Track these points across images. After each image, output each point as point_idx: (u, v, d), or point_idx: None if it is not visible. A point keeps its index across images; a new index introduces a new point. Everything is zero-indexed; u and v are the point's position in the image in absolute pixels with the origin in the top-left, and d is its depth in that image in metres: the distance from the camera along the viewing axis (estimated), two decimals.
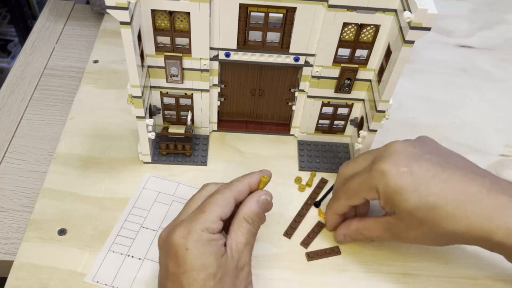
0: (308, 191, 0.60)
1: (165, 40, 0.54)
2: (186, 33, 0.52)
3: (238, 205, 0.46)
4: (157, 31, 0.52)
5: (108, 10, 0.44)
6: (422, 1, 0.44)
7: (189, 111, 0.61)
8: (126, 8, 0.44)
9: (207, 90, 0.59)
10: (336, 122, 0.63)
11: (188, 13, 0.50)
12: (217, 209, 0.43)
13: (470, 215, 0.43)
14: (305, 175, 0.61)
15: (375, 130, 0.57)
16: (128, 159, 0.61)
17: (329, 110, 0.61)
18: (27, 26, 1.31)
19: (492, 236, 0.43)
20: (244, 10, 0.51)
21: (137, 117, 0.55)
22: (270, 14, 0.51)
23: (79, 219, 0.55)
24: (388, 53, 0.51)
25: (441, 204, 0.44)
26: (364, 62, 0.55)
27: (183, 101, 0.61)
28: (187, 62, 0.55)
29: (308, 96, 0.59)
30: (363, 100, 0.59)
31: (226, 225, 0.48)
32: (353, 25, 0.51)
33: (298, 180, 0.60)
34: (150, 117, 0.59)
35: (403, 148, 0.47)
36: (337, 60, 0.55)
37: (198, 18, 0.50)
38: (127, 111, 0.59)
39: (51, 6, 0.86)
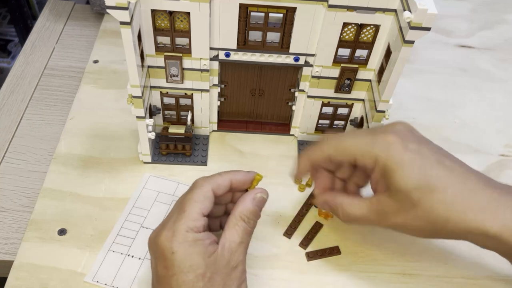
0: (308, 191, 0.60)
1: (165, 40, 0.54)
2: (186, 33, 0.52)
3: (232, 202, 0.46)
4: (157, 31, 0.52)
5: (108, 10, 0.44)
6: (422, 1, 0.44)
7: (189, 111, 0.61)
8: (126, 8, 0.44)
9: (207, 90, 0.59)
10: (336, 122, 0.63)
11: (188, 13, 0.50)
12: (196, 205, 0.42)
13: (467, 205, 0.42)
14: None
15: None
16: (128, 159, 0.61)
17: (329, 110, 0.61)
18: (27, 26, 1.31)
19: (487, 229, 0.42)
20: (244, 10, 0.51)
21: (137, 117, 0.55)
22: (270, 14, 0.51)
23: (79, 219, 0.55)
24: (388, 53, 0.51)
25: (441, 188, 0.42)
26: (364, 62, 0.55)
27: (183, 101, 0.61)
28: (187, 62, 0.55)
29: (308, 96, 0.59)
30: (363, 100, 0.59)
31: (221, 222, 0.49)
32: (353, 25, 0.51)
33: (298, 180, 0.60)
34: (150, 117, 0.59)
35: (410, 128, 0.46)
36: (337, 60, 0.55)
37: (198, 18, 0.50)
38: (127, 111, 0.59)
39: (51, 6, 0.86)
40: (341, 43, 0.53)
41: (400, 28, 0.48)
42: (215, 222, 0.48)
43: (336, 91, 0.58)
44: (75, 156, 0.61)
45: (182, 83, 0.57)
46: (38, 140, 0.65)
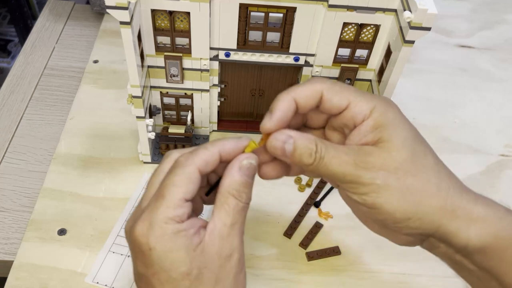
0: (308, 191, 0.60)
1: (165, 40, 0.53)
2: (186, 33, 0.52)
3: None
4: (157, 31, 0.52)
5: (108, 10, 0.44)
6: (422, 1, 0.44)
7: (189, 111, 0.61)
8: (126, 8, 0.44)
9: (207, 90, 0.59)
10: None
11: (188, 13, 0.50)
12: (178, 190, 0.34)
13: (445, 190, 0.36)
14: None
15: None
16: (128, 159, 0.61)
17: None
18: (27, 26, 1.31)
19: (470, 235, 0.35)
20: (244, 10, 0.51)
21: (137, 117, 0.55)
22: (270, 14, 0.51)
23: (79, 219, 0.55)
24: (388, 53, 0.51)
25: (430, 156, 0.37)
26: (364, 62, 0.55)
27: (183, 101, 0.61)
28: (187, 62, 0.55)
29: None
30: None
31: (210, 200, 0.39)
32: (353, 25, 0.51)
33: (298, 180, 0.60)
34: (150, 117, 0.59)
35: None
36: (337, 60, 0.55)
37: (198, 18, 0.50)
38: (127, 111, 0.59)
39: (51, 6, 0.86)
40: (341, 43, 0.53)
41: (400, 28, 0.48)
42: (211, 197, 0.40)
43: None
44: (75, 156, 0.61)
45: (182, 83, 0.57)
46: (38, 140, 0.65)
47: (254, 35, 0.54)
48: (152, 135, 0.58)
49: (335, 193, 0.59)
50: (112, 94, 0.69)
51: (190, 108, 0.61)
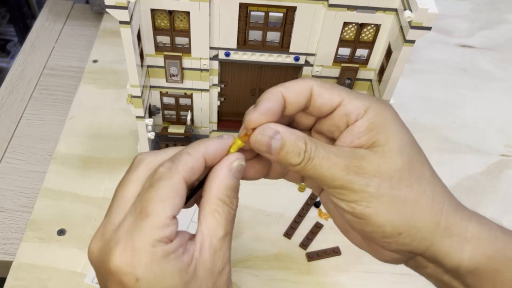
0: (308, 191, 0.59)
1: (164, 39, 0.53)
2: (186, 33, 0.52)
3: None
4: (157, 30, 0.52)
5: (107, 10, 0.44)
6: (422, 0, 0.44)
7: (189, 111, 0.61)
8: (125, 8, 0.44)
9: (207, 90, 0.59)
10: None
11: (188, 13, 0.50)
12: (164, 206, 0.29)
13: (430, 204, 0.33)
14: None
15: None
16: (128, 159, 0.61)
17: None
18: (27, 25, 1.31)
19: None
20: (244, 9, 0.51)
21: (137, 117, 0.54)
22: (270, 14, 0.51)
23: (78, 219, 0.55)
24: (388, 53, 0.51)
25: (427, 167, 0.34)
26: (365, 61, 0.55)
27: (182, 101, 0.60)
28: (186, 62, 0.55)
29: None
30: None
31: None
32: (353, 24, 0.51)
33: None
34: (150, 117, 0.59)
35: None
36: (337, 60, 0.55)
37: (198, 17, 0.50)
38: (127, 111, 0.59)
39: (51, 6, 0.86)
40: (342, 43, 0.53)
41: (401, 27, 0.48)
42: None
43: None
44: (74, 156, 0.61)
45: (182, 82, 0.57)
46: (38, 140, 0.64)
47: (254, 35, 0.54)
48: (151, 135, 0.58)
49: None
50: (111, 94, 0.69)
51: (190, 108, 0.61)
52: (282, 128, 0.32)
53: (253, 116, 0.33)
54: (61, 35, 0.81)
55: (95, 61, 0.74)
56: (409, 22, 0.45)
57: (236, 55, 0.55)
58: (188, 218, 0.55)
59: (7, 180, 0.60)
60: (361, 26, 0.51)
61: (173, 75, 0.56)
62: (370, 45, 0.53)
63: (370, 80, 0.57)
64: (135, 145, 0.61)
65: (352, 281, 0.52)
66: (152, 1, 0.49)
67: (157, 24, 0.51)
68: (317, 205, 0.58)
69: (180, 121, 0.63)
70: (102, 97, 0.69)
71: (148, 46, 0.53)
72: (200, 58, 0.55)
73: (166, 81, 0.57)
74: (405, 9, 0.46)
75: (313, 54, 0.55)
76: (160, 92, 0.59)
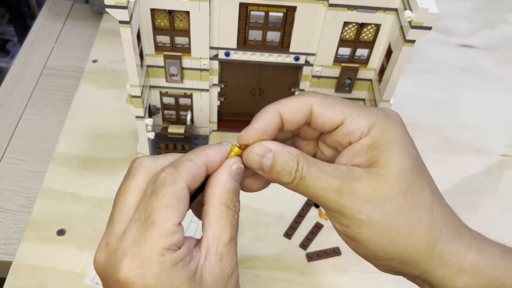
0: None
1: (164, 39, 0.53)
2: (186, 33, 0.52)
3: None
4: (157, 30, 0.52)
5: (107, 9, 0.44)
6: (423, 0, 0.44)
7: (189, 110, 0.61)
8: (125, 7, 0.44)
9: (207, 90, 0.58)
10: None
11: (188, 12, 0.50)
12: (170, 213, 0.29)
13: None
14: None
15: None
16: (128, 159, 0.61)
17: None
18: (26, 25, 1.31)
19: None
20: (244, 9, 0.50)
21: (137, 116, 0.54)
22: (270, 13, 0.51)
23: (78, 220, 0.55)
24: (389, 53, 0.51)
25: (427, 191, 0.32)
26: (365, 61, 0.55)
27: (182, 101, 0.60)
28: (186, 62, 0.55)
29: None
30: (363, 99, 0.59)
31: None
32: (353, 24, 0.51)
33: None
34: (150, 116, 0.59)
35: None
36: (337, 60, 0.55)
37: (198, 17, 0.50)
38: (126, 111, 0.58)
39: (50, 6, 0.86)
40: (342, 43, 0.53)
41: (401, 27, 0.47)
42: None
43: (336, 91, 0.58)
44: (74, 156, 0.61)
45: (182, 82, 0.57)
46: (37, 140, 0.64)
47: (254, 35, 0.54)
48: (151, 135, 0.58)
49: None
50: (111, 93, 0.69)
51: (190, 107, 0.61)
52: (275, 146, 0.32)
53: (244, 134, 0.33)
54: (60, 35, 0.81)
55: (94, 61, 0.74)
56: (410, 22, 0.45)
57: (236, 55, 0.55)
58: (187, 218, 0.55)
59: (6, 180, 0.60)
60: (361, 26, 0.51)
61: (173, 75, 0.56)
62: (370, 45, 0.53)
63: (370, 80, 0.57)
64: (135, 145, 0.61)
65: (352, 281, 0.52)
66: (152, 1, 0.49)
67: (157, 23, 0.51)
68: (317, 205, 0.58)
69: (180, 121, 0.63)
70: (102, 97, 0.69)
71: (148, 46, 0.53)
72: (200, 58, 0.55)
73: (166, 81, 0.57)
74: (405, 9, 0.46)
75: (313, 54, 0.55)
76: (160, 92, 0.59)
